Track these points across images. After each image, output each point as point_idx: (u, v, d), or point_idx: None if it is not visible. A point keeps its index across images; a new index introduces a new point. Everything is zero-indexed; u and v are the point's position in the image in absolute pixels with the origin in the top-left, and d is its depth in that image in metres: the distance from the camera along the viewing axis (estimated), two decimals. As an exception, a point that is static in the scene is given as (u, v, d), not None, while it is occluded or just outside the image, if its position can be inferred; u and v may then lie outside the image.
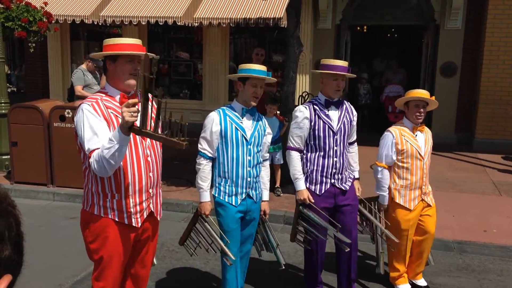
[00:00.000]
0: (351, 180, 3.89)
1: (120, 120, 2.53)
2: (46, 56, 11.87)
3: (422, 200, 4.08)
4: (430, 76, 10.64)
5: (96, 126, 2.60)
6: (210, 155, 3.41)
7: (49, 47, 11.65)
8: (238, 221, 3.47)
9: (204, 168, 3.41)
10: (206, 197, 3.44)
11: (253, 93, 3.36)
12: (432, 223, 4.16)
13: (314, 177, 3.76)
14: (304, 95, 8.42)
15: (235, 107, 3.45)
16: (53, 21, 8.12)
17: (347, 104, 3.87)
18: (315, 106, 3.74)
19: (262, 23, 9.25)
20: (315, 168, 3.75)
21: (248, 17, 9.32)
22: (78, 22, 10.01)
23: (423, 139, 4.07)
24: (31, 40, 7.34)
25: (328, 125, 3.70)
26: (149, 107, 2.27)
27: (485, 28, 9.72)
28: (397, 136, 4.02)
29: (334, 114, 3.75)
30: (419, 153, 4.01)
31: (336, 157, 3.74)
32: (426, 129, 4.19)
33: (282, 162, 6.71)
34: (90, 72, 7.88)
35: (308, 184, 3.78)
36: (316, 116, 3.71)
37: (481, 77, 9.80)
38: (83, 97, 6.88)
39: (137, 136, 2.74)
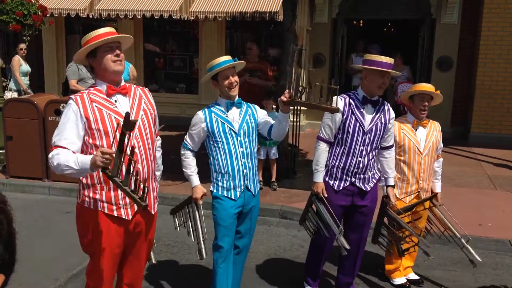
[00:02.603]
0: (375, 181, 3.74)
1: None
2: (41, 50, 11.80)
3: (419, 194, 4.10)
4: (426, 70, 10.64)
5: (68, 125, 2.68)
6: (190, 146, 3.52)
7: (44, 41, 11.58)
8: (234, 216, 3.46)
9: (186, 156, 3.54)
10: (194, 181, 3.54)
11: (227, 84, 3.38)
12: (423, 219, 4.22)
13: (334, 172, 3.68)
14: (300, 89, 8.41)
15: (220, 102, 3.48)
16: (48, 15, 8.07)
17: (385, 106, 3.70)
18: (351, 100, 3.61)
19: (258, 17, 9.22)
20: (337, 163, 3.66)
21: (244, 11, 9.29)
22: (73, 16, 9.96)
23: (424, 134, 4.06)
24: (25, 34, 7.30)
25: (359, 123, 3.58)
26: (121, 159, 2.36)
27: (481, 22, 9.72)
28: (395, 129, 3.97)
29: (368, 112, 3.61)
30: (417, 147, 4.02)
31: (361, 157, 3.61)
32: (435, 124, 4.17)
33: (277, 156, 6.72)
34: (85, 66, 7.83)
35: (327, 178, 3.70)
36: (350, 110, 3.59)
37: (477, 71, 9.82)
38: (77, 91, 6.85)
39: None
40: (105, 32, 2.75)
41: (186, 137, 3.53)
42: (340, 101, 3.58)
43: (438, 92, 4.02)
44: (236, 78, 3.43)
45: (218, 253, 3.49)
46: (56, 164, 2.59)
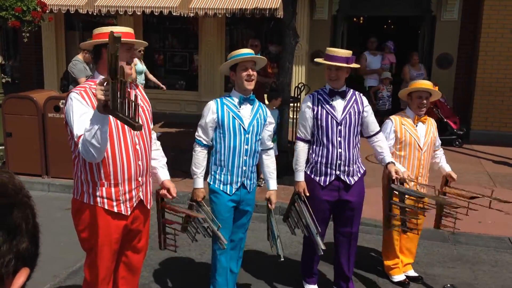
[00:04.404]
0: (359, 175, 3.76)
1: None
2: (41, 46, 11.78)
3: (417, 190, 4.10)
4: (426, 68, 10.62)
5: (84, 113, 2.62)
6: (205, 142, 3.45)
7: (43, 37, 11.56)
8: (231, 210, 3.48)
9: (198, 154, 3.45)
10: (199, 183, 3.46)
11: (245, 76, 3.35)
12: (422, 217, 4.20)
13: (318, 168, 3.70)
14: (300, 86, 8.39)
15: (233, 96, 3.45)
16: (47, 11, 8.03)
17: (357, 95, 3.74)
18: (319, 96, 3.69)
19: (258, 13, 9.21)
20: (319, 159, 3.68)
21: (244, 7, 9.28)
22: (72, 12, 9.94)
23: (423, 130, 4.07)
24: (25, 30, 7.27)
25: (331, 115, 3.62)
26: (116, 86, 2.22)
27: (481, 19, 9.70)
28: (396, 124, 4.04)
29: (338, 104, 3.65)
30: (417, 143, 4.02)
31: (340, 148, 3.63)
32: (431, 120, 4.18)
33: (277, 153, 6.70)
34: (86, 63, 7.82)
35: (312, 175, 3.73)
36: (320, 105, 3.65)
37: (477, 68, 9.80)
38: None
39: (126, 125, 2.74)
40: (127, 32, 2.77)
41: (199, 131, 3.46)
42: (308, 99, 3.69)
43: (437, 88, 4.02)
44: (255, 72, 3.41)
45: (216, 245, 3.51)
46: (83, 145, 2.50)
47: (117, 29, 2.76)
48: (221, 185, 3.44)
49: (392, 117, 4.12)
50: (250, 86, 3.38)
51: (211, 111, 3.38)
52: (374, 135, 3.80)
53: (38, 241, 0.97)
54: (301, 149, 3.74)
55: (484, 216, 5.77)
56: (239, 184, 3.46)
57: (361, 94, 3.82)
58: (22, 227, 0.90)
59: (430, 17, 10.44)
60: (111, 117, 2.62)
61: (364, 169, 3.83)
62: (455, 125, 9.15)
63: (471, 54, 10.25)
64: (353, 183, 3.72)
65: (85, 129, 2.49)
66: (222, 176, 3.44)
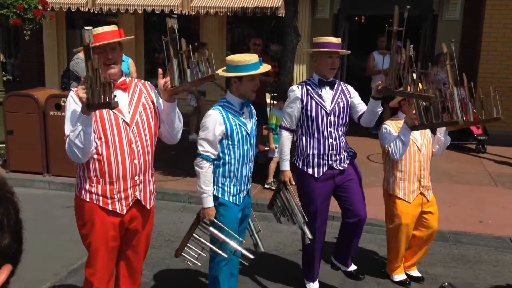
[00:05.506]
0: (350, 158, 3.77)
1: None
2: (42, 44, 11.78)
3: (422, 193, 4.07)
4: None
5: (75, 113, 2.67)
6: (213, 157, 3.18)
7: (44, 35, 11.56)
8: (238, 221, 3.38)
9: (207, 171, 3.17)
10: (210, 202, 3.21)
11: (253, 86, 3.20)
12: (435, 220, 4.17)
13: (311, 160, 3.69)
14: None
15: (232, 101, 3.25)
16: (48, 9, 8.03)
17: (342, 85, 3.76)
18: (307, 86, 3.67)
19: (260, 12, 9.21)
20: (311, 151, 3.67)
21: (245, 6, 9.28)
22: (73, 10, 9.94)
23: (418, 132, 4.05)
24: (26, 28, 7.27)
25: (320, 106, 3.61)
26: (93, 78, 2.36)
27: (483, 18, 9.69)
28: (393, 127, 3.99)
29: (327, 94, 3.65)
30: (416, 144, 4.00)
31: (331, 138, 3.64)
32: None
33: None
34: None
35: (305, 168, 3.71)
36: (308, 96, 3.63)
37: (479, 68, 9.79)
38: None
39: (120, 123, 2.78)
40: (102, 32, 2.76)
41: (205, 146, 3.15)
42: (297, 89, 3.68)
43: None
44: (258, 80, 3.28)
45: (220, 257, 3.38)
46: (68, 145, 2.62)
47: (99, 31, 2.75)
48: (231, 197, 3.28)
49: (386, 123, 4.06)
50: (254, 96, 3.28)
51: (218, 122, 3.12)
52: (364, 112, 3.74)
53: (21, 237, 0.96)
54: (286, 138, 3.75)
55: (485, 216, 5.77)
56: (245, 192, 3.37)
57: (346, 84, 3.82)
58: (4, 223, 0.89)
59: (431, 16, 10.42)
60: (104, 116, 2.71)
61: (353, 151, 3.83)
62: (477, 130, 8.61)
63: (473, 54, 10.23)
64: (346, 167, 3.74)
65: (69, 130, 2.58)
66: (232, 187, 3.27)
